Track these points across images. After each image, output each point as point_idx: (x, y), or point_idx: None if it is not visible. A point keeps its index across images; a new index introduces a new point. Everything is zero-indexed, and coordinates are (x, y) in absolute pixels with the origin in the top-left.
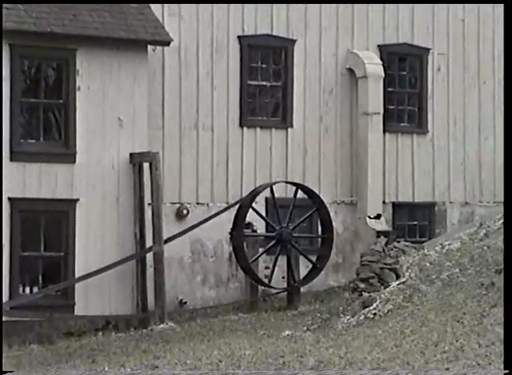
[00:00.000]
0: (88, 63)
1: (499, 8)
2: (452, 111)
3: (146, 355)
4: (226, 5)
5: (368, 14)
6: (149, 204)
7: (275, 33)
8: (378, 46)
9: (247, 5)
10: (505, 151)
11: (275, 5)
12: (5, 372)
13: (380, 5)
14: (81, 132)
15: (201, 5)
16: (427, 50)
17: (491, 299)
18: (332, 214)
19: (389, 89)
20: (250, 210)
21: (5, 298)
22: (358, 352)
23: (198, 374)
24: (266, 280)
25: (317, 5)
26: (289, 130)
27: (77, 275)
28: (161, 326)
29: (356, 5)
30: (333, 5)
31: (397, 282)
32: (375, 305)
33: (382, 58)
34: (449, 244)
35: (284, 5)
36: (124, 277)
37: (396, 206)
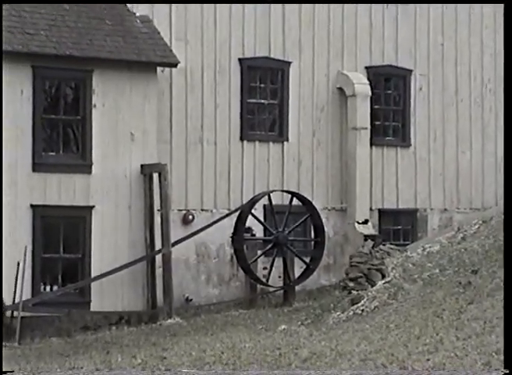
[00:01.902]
0: (103, 83)
1: (476, 36)
2: (432, 126)
3: (155, 347)
4: (228, 30)
5: (356, 39)
6: (158, 210)
7: (272, 56)
8: (366, 67)
9: (246, 31)
10: (505, 152)
11: (272, 31)
12: (5, 372)
13: (367, 31)
14: (97, 145)
15: (205, 31)
16: (409, 71)
17: (468, 297)
18: (323, 219)
19: (376, 106)
20: (250, 216)
21: (27, 296)
22: (347, 345)
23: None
24: (264, 280)
25: (310, 31)
26: (285, 143)
27: (93, 275)
28: (169, 321)
29: (345, 31)
30: (325, 31)
31: (383, 281)
32: (362, 302)
33: (369, 79)
34: (429, 247)
35: (280, 31)
36: (135, 277)
37: (382, 212)
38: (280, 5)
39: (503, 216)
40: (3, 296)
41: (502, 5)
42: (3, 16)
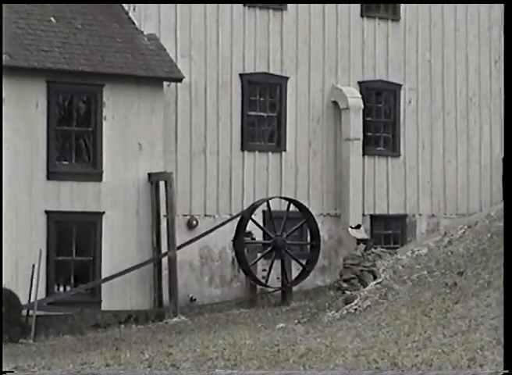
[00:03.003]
0: (113, 97)
1: (461, 53)
2: (421, 137)
3: (161, 343)
4: (230, 48)
5: (349, 55)
6: (164, 216)
7: (271, 72)
8: (358, 82)
9: (247, 48)
10: (505, 151)
11: (271, 48)
12: (5, 372)
13: (360, 48)
14: (107, 155)
15: (208, 48)
16: (399, 86)
17: (454, 297)
18: (319, 224)
19: (368, 119)
20: (250, 221)
21: (42, 296)
22: (341, 342)
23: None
24: (263, 281)
25: (306, 48)
26: (283, 153)
27: (103, 276)
28: (175, 319)
29: (339, 48)
30: (320, 48)
31: (374, 282)
32: (355, 301)
33: (361, 93)
34: (418, 250)
35: (278, 48)
36: (143, 278)
37: (374, 218)
38: (278, 24)
39: (487, 221)
40: (19, 296)
41: (485, 25)
42: (20, 34)
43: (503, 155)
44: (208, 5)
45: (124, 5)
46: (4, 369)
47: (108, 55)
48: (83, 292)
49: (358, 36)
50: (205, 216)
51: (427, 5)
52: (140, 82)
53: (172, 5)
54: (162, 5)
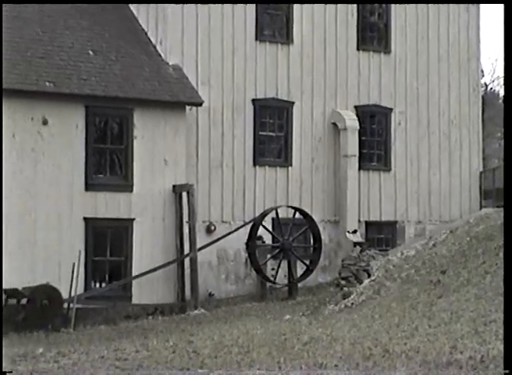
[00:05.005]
0: (142, 119)
1: (444, 81)
2: (409, 154)
3: (184, 333)
4: (243, 76)
5: (347, 83)
6: (186, 222)
7: (279, 97)
8: (355, 106)
9: (258, 77)
10: (505, 152)
11: (279, 77)
12: (5, 372)
13: (356, 77)
14: (137, 169)
15: (225, 77)
16: (390, 109)
17: (437, 292)
18: (321, 229)
19: (363, 138)
20: (261, 227)
21: (81, 291)
22: (340, 331)
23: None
24: (272, 278)
25: (310, 77)
26: (290, 168)
27: (134, 274)
28: (195, 311)
29: (338, 77)
30: (322, 77)
31: (369, 280)
32: (352, 296)
33: (357, 115)
34: (407, 252)
35: (286, 76)
36: (168, 276)
37: (368, 224)
38: (285, 56)
39: (466, 227)
40: (61, 291)
41: (464, 57)
42: (63, 65)
43: (480, 169)
44: (225, 40)
45: (152, 38)
46: (50, 354)
47: (138, 83)
48: (116, 288)
49: (355, 66)
50: (222, 222)
51: (415, 40)
52: (166, 106)
53: (193, 40)
54: (185, 40)
